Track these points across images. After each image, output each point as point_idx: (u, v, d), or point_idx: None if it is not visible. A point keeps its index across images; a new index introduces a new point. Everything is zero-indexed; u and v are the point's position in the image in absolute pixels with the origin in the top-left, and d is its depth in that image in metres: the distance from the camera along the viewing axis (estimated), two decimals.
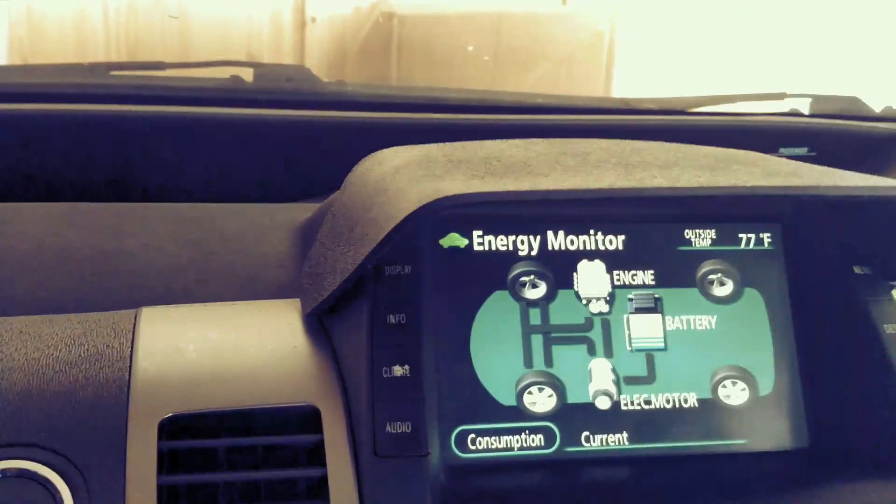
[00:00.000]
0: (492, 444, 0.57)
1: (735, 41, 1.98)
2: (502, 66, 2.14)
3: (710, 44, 2.03)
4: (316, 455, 0.51)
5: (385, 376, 0.53)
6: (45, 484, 0.48)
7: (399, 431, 0.51)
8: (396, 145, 0.98)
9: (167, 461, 0.50)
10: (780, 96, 1.14)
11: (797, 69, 1.77)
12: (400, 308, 0.55)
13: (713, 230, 0.61)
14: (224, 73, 1.12)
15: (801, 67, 1.77)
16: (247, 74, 1.07)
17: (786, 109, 1.11)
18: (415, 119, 1.00)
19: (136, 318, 0.59)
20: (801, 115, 1.09)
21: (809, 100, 1.12)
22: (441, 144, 0.64)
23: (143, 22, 1.87)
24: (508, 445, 0.57)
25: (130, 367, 0.53)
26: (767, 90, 1.15)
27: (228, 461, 0.51)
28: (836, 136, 1.04)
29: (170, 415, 0.50)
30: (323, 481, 0.50)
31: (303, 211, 0.81)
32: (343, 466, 0.50)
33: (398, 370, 0.53)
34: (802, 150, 1.01)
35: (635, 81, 2.07)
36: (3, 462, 0.48)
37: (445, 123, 1.00)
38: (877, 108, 1.10)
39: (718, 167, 0.55)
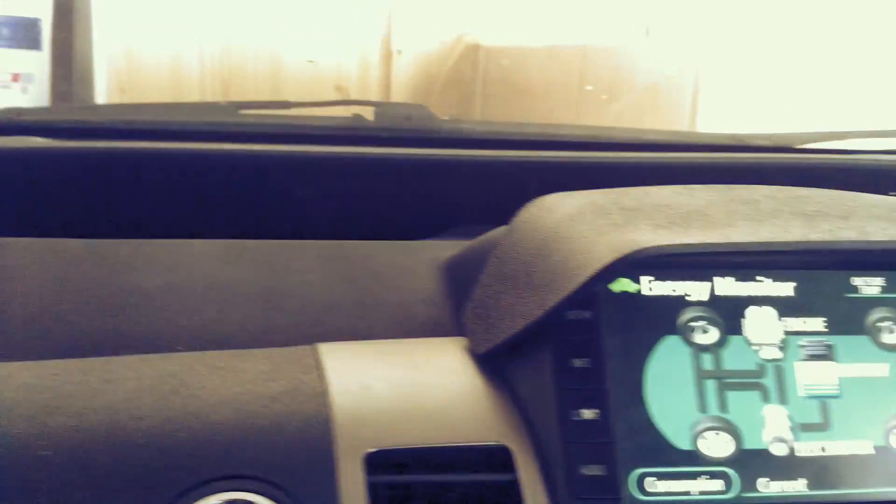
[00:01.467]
0: (671, 487, 0.57)
1: (820, 78, 1.97)
2: (586, 98, 2.16)
3: (796, 80, 2.01)
4: (510, 494, 0.52)
5: (575, 419, 0.54)
6: None
7: (593, 474, 0.53)
8: (515, 182, 1.01)
9: (371, 494, 0.51)
10: (894, 133, 1.13)
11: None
12: (584, 352, 0.56)
13: (881, 278, 0.62)
14: (346, 111, 1.16)
15: None
16: (367, 113, 1.10)
17: None
18: (532, 157, 1.02)
19: (315, 354, 0.61)
20: None
21: None
22: (603, 191, 0.65)
23: (236, 61, 1.93)
24: (686, 490, 0.57)
25: (327, 403, 0.55)
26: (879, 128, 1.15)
27: (428, 497, 0.52)
28: None
29: (373, 450, 0.52)
30: None
31: (439, 248, 0.83)
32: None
33: (587, 413, 0.55)
34: None
35: (720, 115, 2.06)
36: (227, 493, 0.50)
37: (563, 161, 1.02)
38: None
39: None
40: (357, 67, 2.11)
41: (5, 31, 1.46)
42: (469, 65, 2.15)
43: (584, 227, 0.56)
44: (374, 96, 2.08)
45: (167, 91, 1.85)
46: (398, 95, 2.10)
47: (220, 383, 0.57)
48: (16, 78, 1.45)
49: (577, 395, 0.55)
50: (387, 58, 2.14)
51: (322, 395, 0.56)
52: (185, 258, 0.76)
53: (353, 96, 2.06)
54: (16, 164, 0.85)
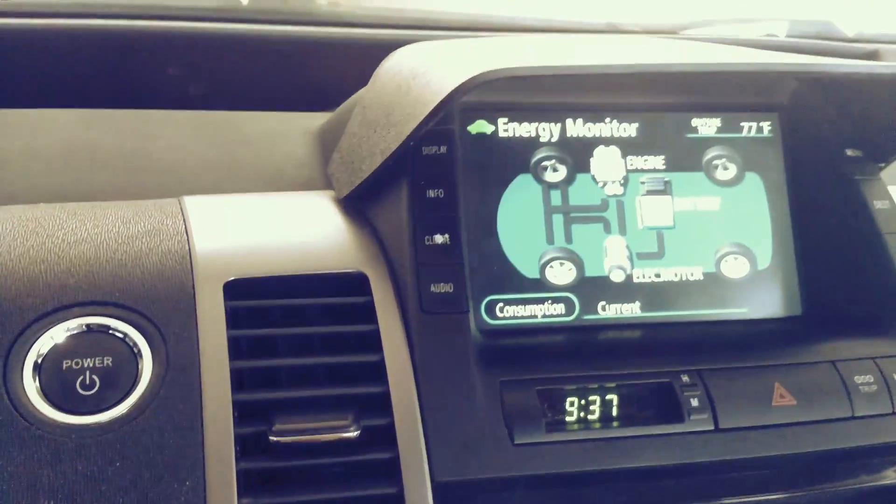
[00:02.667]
0: (518, 312, 0.61)
1: None
2: None
3: None
4: (365, 314, 0.55)
5: (427, 243, 0.57)
6: (124, 337, 0.51)
7: (443, 291, 0.56)
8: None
9: (231, 319, 0.53)
10: (758, 20, 1.18)
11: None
12: (438, 184, 0.59)
13: (718, 119, 0.66)
14: None
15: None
16: None
17: (764, 33, 1.15)
18: (404, 35, 1.03)
19: (180, 203, 0.62)
20: (777, 37, 1.14)
21: (786, 24, 1.17)
22: (470, 40, 0.67)
23: None
24: (532, 314, 0.62)
25: (188, 240, 0.56)
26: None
27: (285, 321, 0.55)
28: (811, 55, 1.09)
29: (232, 278, 0.54)
30: (374, 335, 0.54)
31: (311, 119, 0.84)
32: (393, 322, 0.55)
33: (439, 238, 0.58)
34: None
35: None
36: (85, 318, 0.51)
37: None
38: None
39: (733, 55, 0.60)
40: None
41: None
42: None
43: (439, 65, 0.58)
44: None
45: None
46: None
47: (79, 225, 0.57)
48: None
49: (430, 222, 0.58)
50: None
51: (183, 233, 0.57)
52: (46, 125, 0.75)
53: None
54: None
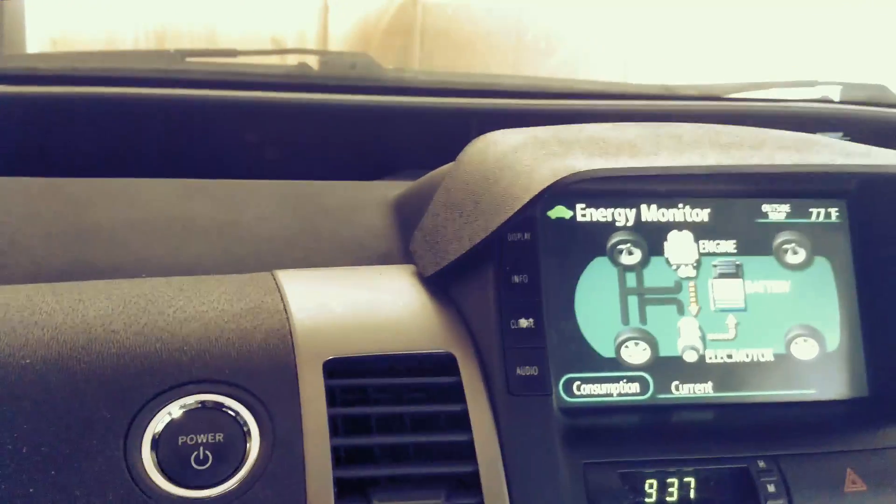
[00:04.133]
0: (594, 390, 0.64)
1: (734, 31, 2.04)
2: (523, 53, 2.20)
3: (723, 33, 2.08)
4: (454, 394, 0.58)
5: (513, 327, 0.60)
6: (235, 415, 0.55)
7: (528, 374, 0.59)
8: (456, 128, 1.06)
9: (329, 397, 0.57)
10: (812, 83, 1.21)
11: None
12: (523, 269, 0.62)
13: (787, 205, 0.69)
14: (291, 59, 1.19)
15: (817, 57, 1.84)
16: (312, 62, 1.13)
17: (817, 96, 1.18)
18: (472, 104, 1.07)
19: (274, 278, 0.66)
20: (832, 101, 1.17)
21: (840, 87, 1.19)
22: (543, 128, 0.71)
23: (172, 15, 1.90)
24: (608, 392, 0.64)
25: (288, 318, 0.60)
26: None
27: (378, 397, 0.58)
28: (865, 121, 1.12)
29: (331, 357, 0.58)
30: (464, 415, 0.57)
31: (384, 189, 0.88)
32: (481, 403, 0.58)
33: (524, 322, 0.61)
34: (838, 135, 1.08)
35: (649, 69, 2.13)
36: (199, 395, 0.55)
37: (503, 109, 1.07)
38: None
39: (803, 148, 0.63)
40: (294, 21, 2.10)
41: None
42: (407, 18, 2.16)
43: (526, 157, 0.61)
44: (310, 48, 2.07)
45: (101, 46, 1.82)
46: (334, 48, 2.11)
47: (187, 302, 0.61)
48: None
49: (515, 307, 0.61)
50: (324, 11, 2.14)
51: (283, 311, 0.61)
52: (143, 195, 0.79)
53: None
54: None
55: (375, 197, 0.85)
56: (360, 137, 1.03)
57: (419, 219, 0.73)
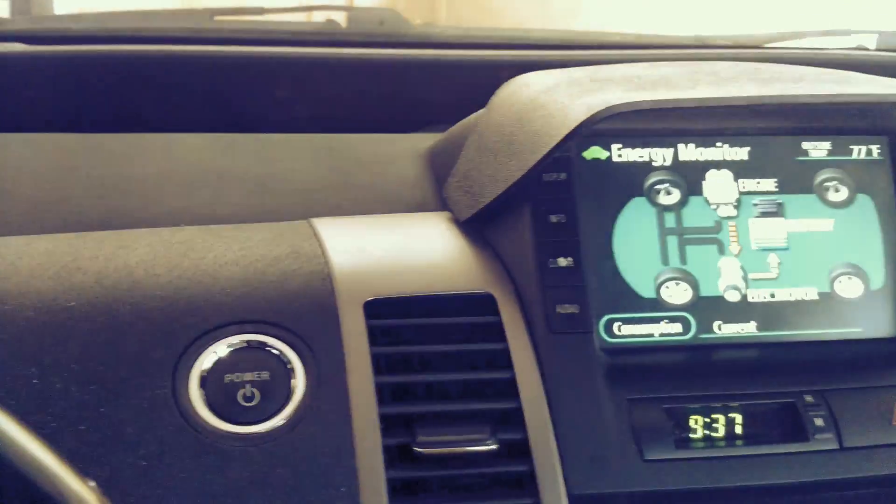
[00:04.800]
0: (635, 331, 0.64)
1: None
2: (551, 10, 2.17)
3: None
4: (495, 333, 0.58)
5: (551, 266, 0.60)
6: (279, 354, 0.55)
7: (568, 312, 0.59)
8: (486, 81, 1.05)
9: (371, 336, 0.57)
10: (847, 32, 1.18)
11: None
12: (559, 209, 0.62)
13: (828, 142, 0.68)
14: (319, 16, 1.18)
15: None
16: (340, 18, 1.12)
17: (853, 45, 1.16)
18: (501, 56, 1.06)
19: (311, 225, 0.66)
20: (868, 49, 1.14)
21: (875, 35, 1.17)
22: (578, 68, 0.70)
23: None
24: (650, 332, 0.64)
25: (327, 262, 0.60)
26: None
27: (420, 338, 0.58)
28: None
29: (371, 298, 0.58)
30: (505, 353, 0.57)
31: (417, 141, 0.88)
32: (522, 341, 0.58)
33: (562, 261, 0.61)
34: None
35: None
36: (243, 335, 0.55)
37: (531, 60, 1.05)
38: None
39: (843, 81, 0.62)
40: None
41: None
42: None
43: (559, 95, 0.61)
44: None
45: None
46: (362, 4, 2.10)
47: (226, 248, 0.61)
48: None
49: (553, 246, 0.61)
50: None
51: (321, 255, 0.61)
52: (177, 150, 0.80)
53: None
54: (7, 68, 0.87)
55: (408, 148, 0.85)
56: (390, 92, 1.03)
57: (451, 166, 0.73)
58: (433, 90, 1.04)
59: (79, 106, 0.90)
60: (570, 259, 0.61)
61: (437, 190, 0.78)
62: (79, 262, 0.58)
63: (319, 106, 1.02)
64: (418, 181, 0.80)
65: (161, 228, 0.66)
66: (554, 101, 0.61)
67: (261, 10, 1.12)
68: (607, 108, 0.55)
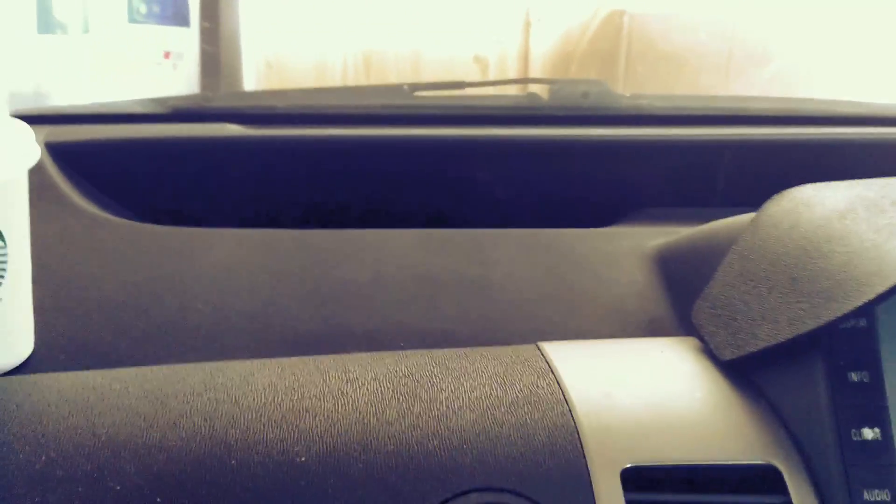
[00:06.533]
0: None
1: None
2: (735, 64, 2.06)
3: None
4: None
5: (854, 439, 0.50)
6: None
7: (878, 500, 0.49)
8: (704, 161, 0.95)
9: None
10: None
11: None
12: (861, 365, 0.52)
13: None
14: (520, 90, 1.13)
15: None
16: (542, 91, 1.07)
17: None
18: (722, 135, 0.97)
19: (542, 352, 0.59)
20: None
21: None
22: (866, 182, 0.60)
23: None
24: None
25: (571, 411, 0.52)
26: None
27: None
28: None
29: (630, 465, 0.50)
30: None
31: (639, 235, 0.80)
32: None
33: (868, 433, 0.50)
34: None
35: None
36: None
37: (760, 140, 0.96)
38: None
39: None
40: (495, 37, 2.08)
41: (155, 8, 1.50)
42: (612, 32, 2.09)
43: (862, 228, 0.51)
44: (513, 67, 2.05)
45: (312, 68, 1.85)
46: (536, 64, 2.07)
47: (457, 386, 0.55)
48: (167, 55, 1.49)
49: (856, 413, 0.51)
50: (525, 27, 2.10)
51: (563, 402, 0.54)
52: (385, 248, 0.75)
53: (492, 67, 2.03)
54: (216, 152, 0.86)
55: (631, 247, 0.77)
56: (597, 175, 0.96)
57: (693, 280, 0.65)
58: (645, 172, 0.96)
59: (282, 196, 0.88)
60: (876, 430, 0.50)
61: (672, 304, 0.69)
62: (306, 403, 0.53)
63: (519, 190, 0.96)
64: (648, 290, 0.72)
65: (384, 353, 0.61)
66: (857, 235, 0.51)
67: (461, 84, 1.09)
68: None
